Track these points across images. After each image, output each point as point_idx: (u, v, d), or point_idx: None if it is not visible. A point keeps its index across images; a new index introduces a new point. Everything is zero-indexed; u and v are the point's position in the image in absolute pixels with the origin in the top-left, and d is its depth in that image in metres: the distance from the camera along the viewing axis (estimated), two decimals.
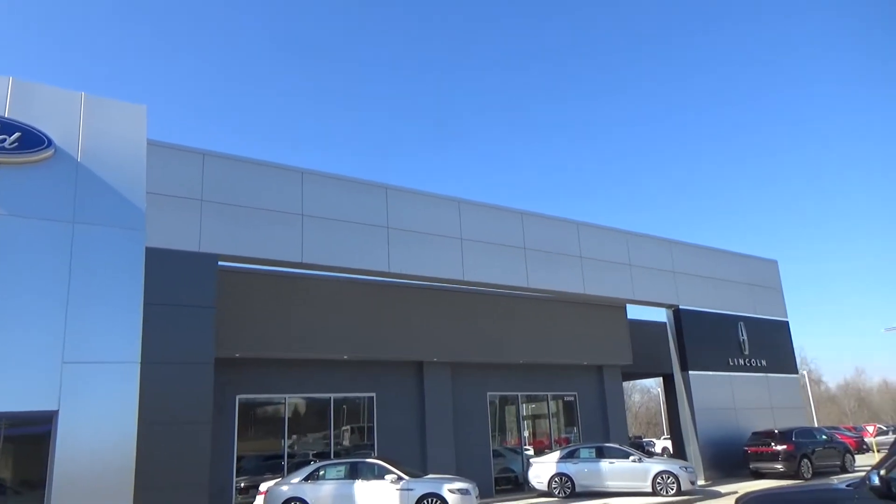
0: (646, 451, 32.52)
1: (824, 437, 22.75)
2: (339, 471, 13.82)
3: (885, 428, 39.88)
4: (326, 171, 15.93)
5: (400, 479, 13.53)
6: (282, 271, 15.91)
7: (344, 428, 17.45)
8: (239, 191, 14.44)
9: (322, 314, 16.59)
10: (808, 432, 22.39)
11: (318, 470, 13.86)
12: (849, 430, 39.49)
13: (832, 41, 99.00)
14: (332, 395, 17.02)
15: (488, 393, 19.89)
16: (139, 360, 9.28)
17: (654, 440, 45.51)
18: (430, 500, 13.28)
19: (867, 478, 5.64)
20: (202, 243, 13.57)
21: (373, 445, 17.22)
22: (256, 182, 14.74)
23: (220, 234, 13.88)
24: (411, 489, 13.39)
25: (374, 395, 17.59)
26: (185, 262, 13.16)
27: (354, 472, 13.77)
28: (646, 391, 72.29)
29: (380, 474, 13.69)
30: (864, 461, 25.52)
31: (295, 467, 15.24)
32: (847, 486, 6.05)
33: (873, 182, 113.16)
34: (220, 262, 13.94)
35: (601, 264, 21.06)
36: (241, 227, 14.25)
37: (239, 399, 15.65)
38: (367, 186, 16.63)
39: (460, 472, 17.25)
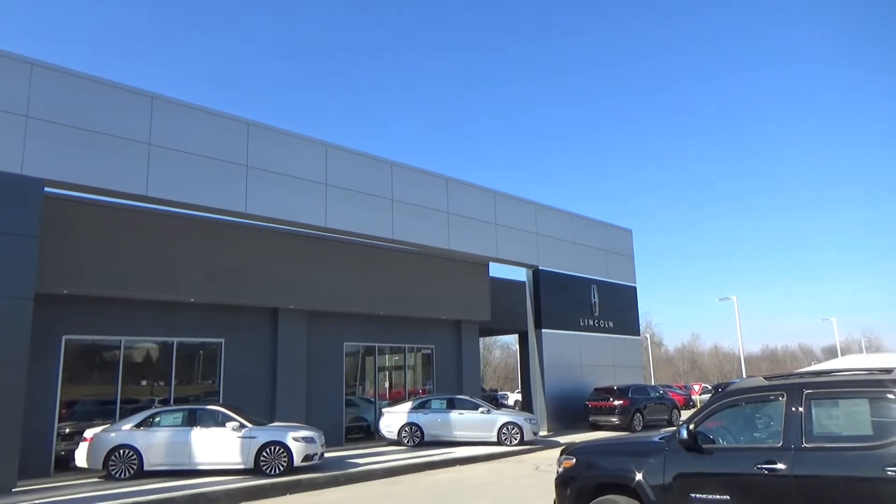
0: (499, 403, 33.84)
1: (656, 394, 24.65)
2: (176, 417, 13.07)
3: (709, 387, 44.08)
4: (179, 99, 14.62)
5: (242, 426, 13.04)
6: (123, 203, 14.55)
7: (188, 374, 16.54)
8: (74, 110, 12.91)
9: (168, 253, 15.44)
10: (642, 389, 24.17)
11: (152, 416, 13.03)
12: (679, 388, 43.27)
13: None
14: (176, 340, 16.03)
15: (345, 343, 19.65)
16: None
17: (507, 393, 47.51)
18: (272, 448, 12.94)
19: (677, 432, 5.90)
20: (25, 165, 12.05)
21: (218, 393, 16.48)
22: (96, 103, 13.25)
23: (48, 157, 12.38)
24: (254, 437, 12.96)
25: (222, 340, 16.79)
26: (3, 184, 11.61)
27: (193, 420, 13.08)
28: (506, 347, 75.36)
29: (221, 422, 13.12)
30: (687, 415, 28.02)
31: (129, 414, 14.23)
32: (660, 438, 6.34)
33: (723, 156, 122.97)
34: (47, 189, 12.49)
35: (468, 221, 21.21)
36: (76, 151, 12.80)
37: (66, 339, 14.29)
38: (226, 120, 15.53)
39: (311, 422, 16.98)
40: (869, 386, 5.31)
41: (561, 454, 7.03)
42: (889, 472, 4.79)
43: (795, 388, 5.50)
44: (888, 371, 5.43)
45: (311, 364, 18.47)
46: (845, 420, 5.45)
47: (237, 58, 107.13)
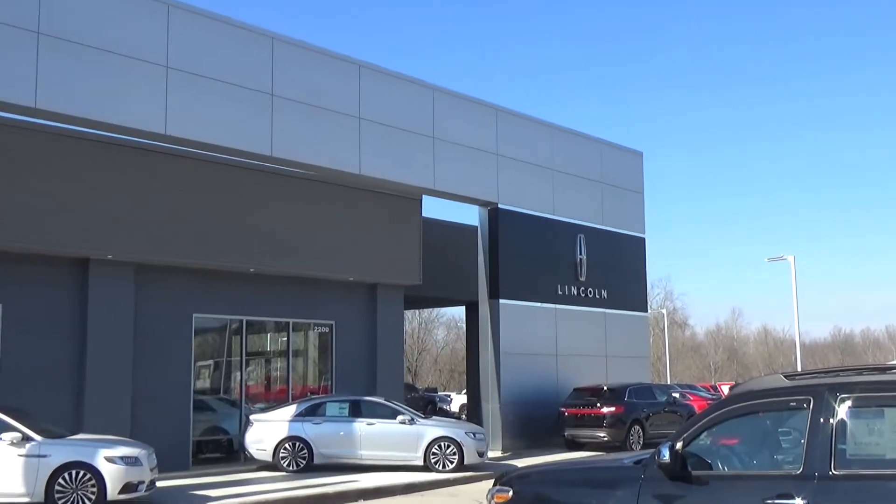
0: (436, 409, 34.52)
1: (666, 397, 25.56)
2: None
3: None
4: None
5: (27, 439, 13.04)
6: None
7: None
8: None
9: None
10: (646, 391, 25.14)
11: None
12: (706, 389, 44.84)
13: None
14: None
15: (196, 314, 19.62)
16: None
17: (451, 395, 48.35)
18: (74, 472, 13.01)
19: (658, 453, 6.14)
20: None
21: None
22: None
23: None
24: (45, 455, 12.98)
25: None
26: None
27: None
28: (454, 325, 75.72)
29: None
30: None
31: None
32: (635, 462, 6.61)
33: (776, 61, 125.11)
34: None
35: (390, 132, 21.18)
36: None
37: None
38: None
39: (137, 434, 16.94)
40: None
41: (494, 484, 7.28)
42: None
43: (824, 391, 5.78)
44: None
45: (141, 346, 18.35)
46: (893, 437, 5.78)
47: None
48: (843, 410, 5.67)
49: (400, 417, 18.54)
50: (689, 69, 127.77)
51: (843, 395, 5.71)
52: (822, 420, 5.67)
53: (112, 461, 13.14)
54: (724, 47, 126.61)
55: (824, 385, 5.87)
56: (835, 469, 5.51)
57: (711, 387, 48.01)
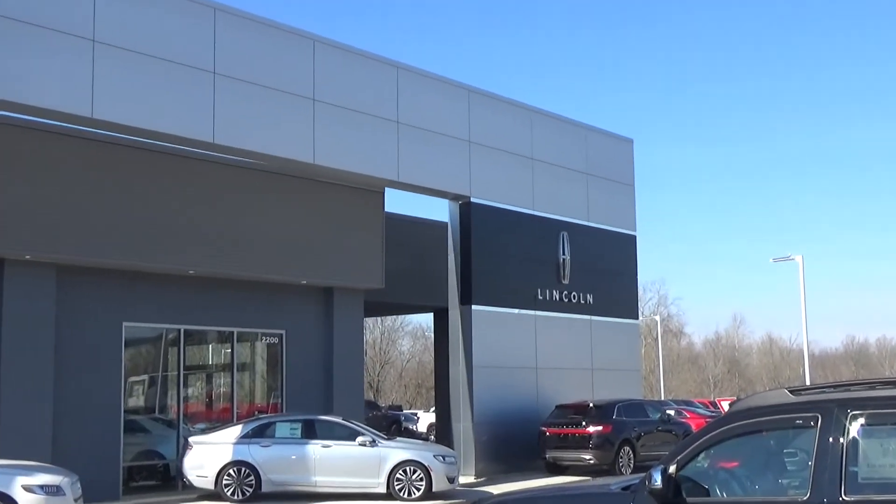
0: (400, 429, 34.47)
1: (660, 415, 25.66)
2: None
3: None
4: None
5: None
6: None
7: None
8: None
9: None
10: (637, 408, 25.24)
11: None
12: (704, 405, 45.15)
13: None
14: None
15: (126, 323, 19.49)
16: None
17: (418, 413, 48.38)
18: None
19: (648, 477, 6.14)
20: None
21: None
22: None
23: None
24: None
25: None
26: None
27: None
28: (420, 335, 75.61)
29: None
30: None
31: None
32: (624, 488, 6.62)
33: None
34: None
35: (348, 116, 21.14)
36: None
37: None
38: None
39: (60, 459, 16.81)
40: None
41: None
42: None
43: (834, 408, 5.80)
44: None
45: (64, 359, 18.22)
46: None
47: None
48: (854, 429, 5.67)
49: (360, 439, 18.47)
50: (684, 46, 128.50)
51: (854, 412, 5.72)
52: (831, 440, 5.68)
53: (30, 490, 13.02)
54: (723, 19, 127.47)
55: (833, 401, 5.89)
56: (845, 494, 5.51)
57: (710, 403, 48.28)
